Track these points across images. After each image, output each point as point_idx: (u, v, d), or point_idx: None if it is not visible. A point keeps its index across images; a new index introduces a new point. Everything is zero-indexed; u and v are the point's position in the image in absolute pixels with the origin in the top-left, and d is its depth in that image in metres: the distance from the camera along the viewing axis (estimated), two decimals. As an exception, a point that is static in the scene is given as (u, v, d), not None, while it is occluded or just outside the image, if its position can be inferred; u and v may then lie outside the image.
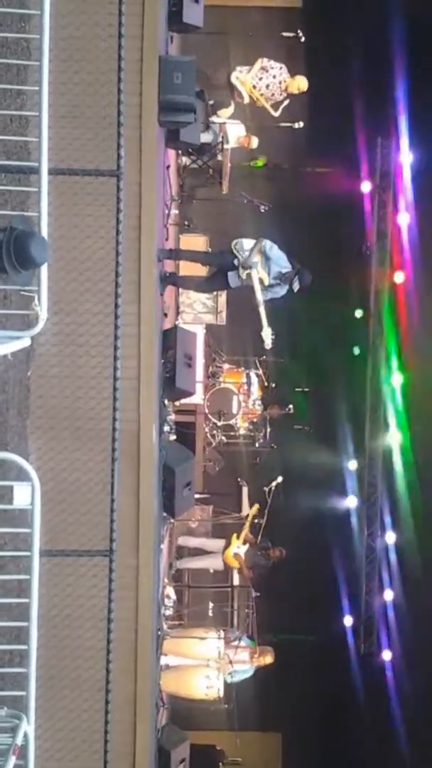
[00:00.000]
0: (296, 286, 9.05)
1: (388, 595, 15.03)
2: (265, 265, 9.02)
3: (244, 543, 11.90)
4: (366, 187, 14.86)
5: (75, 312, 7.76)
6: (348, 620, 15.19)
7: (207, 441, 12.93)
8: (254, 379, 13.19)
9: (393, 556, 15.07)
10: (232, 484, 13.66)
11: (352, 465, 15.21)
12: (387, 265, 14.89)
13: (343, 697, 13.96)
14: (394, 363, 14.78)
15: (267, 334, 9.05)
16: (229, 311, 12.01)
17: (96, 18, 7.59)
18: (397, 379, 14.78)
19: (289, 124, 12.39)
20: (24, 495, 5.38)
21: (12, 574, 6.49)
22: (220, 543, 12.26)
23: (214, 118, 11.64)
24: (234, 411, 12.93)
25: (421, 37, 13.14)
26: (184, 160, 11.93)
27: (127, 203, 6.36)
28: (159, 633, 9.60)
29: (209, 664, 10.86)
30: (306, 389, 14.41)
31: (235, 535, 12.01)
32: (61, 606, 7.62)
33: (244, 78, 11.52)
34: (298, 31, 12.31)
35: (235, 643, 11.31)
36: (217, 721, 12.73)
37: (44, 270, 5.33)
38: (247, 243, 9.05)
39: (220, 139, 11.73)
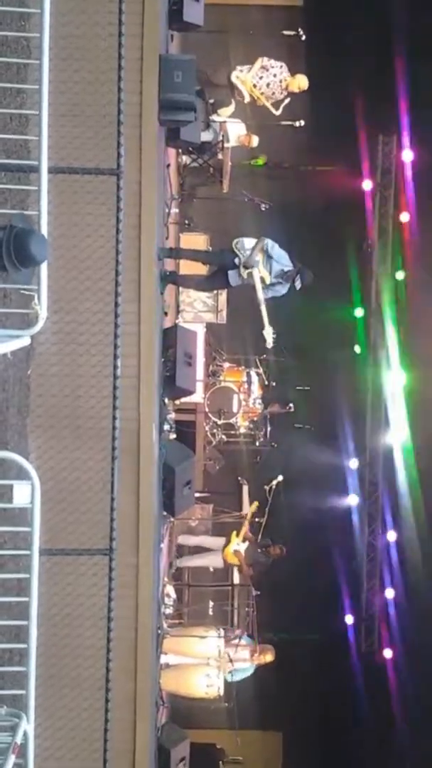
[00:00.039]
0: (298, 285, 9.06)
1: (389, 593, 15.04)
2: (267, 263, 9.03)
3: (244, 540, 11.90)
4: (367, 185, 14.86)
5: (75, 311, 7.76)
6: (349, 619, 15.20)
7: (207, 440, 12.92)
8: (254, 378, 13.19)
9: (394, 555, 15.07)
10: (232, 482, 13.67)
11: (353, 463, 15.21)
12: (388, 263, 14.89)
13: (343, 696, 13.96)
14: (395, 361, 14.78)
15: (268, 333, 9.06)
16: (230, 310, 12.01)
17: (96, 17, 7.59)
18: (397, 377, 14.77)
19: (289, 123, 12.40)
20: (24, 494, 5.38)
21: (12, 572, 6.49)
22: (219, 541, 12.26)
23: (214, 117, 11.64)
24: (234, 410, 12.93)
25: (421, 35, 13.13)
26: (185, 158, 11.92)
27: (127, 202, 6.35)
28: (159, 632, 9.61)
29: (209, 663, 10.86)
30: (306, 388, 14.40)
31: (234, 532, 12.02)
32: (61, 605, 7.62)
33: (244, 77, 11.52)
34: (299, 29, 12.31)
35: (236, 641, 11.31)
36: (217, 719, 12.73)
37: (44, 269, 5.32)
38: (248, 242, 9.05)
39: (220, 138, 11.72)
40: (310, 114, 12.89)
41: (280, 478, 12.40)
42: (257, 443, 13.51)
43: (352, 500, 15.21)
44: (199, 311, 11.86)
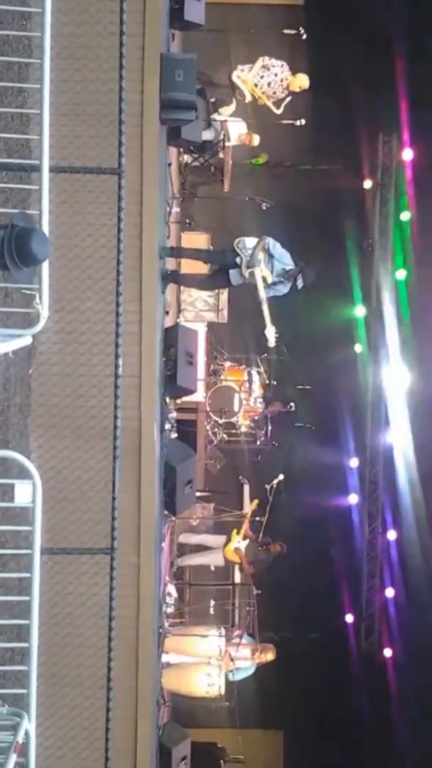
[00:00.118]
0: (300, 284, 9.06)
1: (390, 592, 15.03)
2: (269, 262, 9.02)
3: (245, 538, 11.91)
4: (368, 184, 14.85)
5: (76, 310, 7.76)
6: (349, 618, 15.19)
7: (208, 439, 12.91)
8: (255, 377, 13.19)
9: (394, 554, 15.07)
10: (233, 482, 13.66)
11: (354, 462, 15.21)
12: (389, 262, 14.89)
13: (344, 695, 13.95)
14: (396, 360, 14.78)
15: (270, 333, 9.06)
16: (231, 309, 12.01)
17: (97, 16, 7.59)
18: (398, 376, 14.77)
19: (290, 122, 12.39)
20: (25, 493, 5.38)
21: (13, 571, 6.49)
22: (220, 539, 12.27)
23: (215, 116, 11.64)
24: (235, 409, 12.93)
25: (423, 34, 13.13)
26: (186, 157, 11.91)
27: (128, 201, 6.35)
28: (160, 630, 9.61)
29: (210, 662, 10.87)
30: (307, 387, 14.39)
31: (235, 530, 12.02)
32: (62, 604, 7.62)
33: (245, 77, 11.52)
34: (300, 28, 12.29)
35: (237, 640, 11.31)
36: (218, 718, 12.74)
37: (45, 268, 5.32)
38: (250, 241, 9.05)
39: (221, 137, 11.72)
40: (311, 113, 12.88)
41: (281, 477, 12.39)
42: (258, 442, 13.51)
43: (353, 499, 15.21)
44: (200, 310, 11.86)
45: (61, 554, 6.89)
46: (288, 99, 11.79)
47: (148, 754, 8.29)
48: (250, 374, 13.18)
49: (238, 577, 12.56)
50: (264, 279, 8.97)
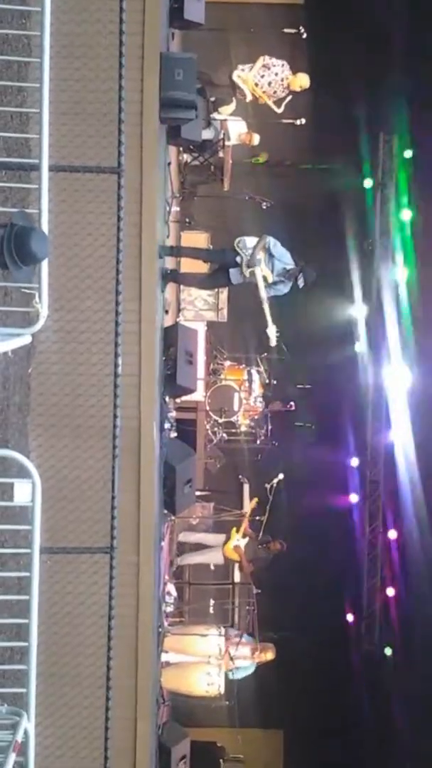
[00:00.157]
0: (301, 283, 9.06)
1: (390, 591, 15.03)
2: (269, 262, 9.02)
3: (244, 536, 11.92)
4: (368, 183, 14.85)
5: (76, 309, 7.75)
6: (349, 617, 15.20)
7: (208, 438, 12.91)
8: (255, 376, 13.19)
9: (394, 553, 15.07)
10: (233, 481, 13.66)
11: (354, 462, 15.21)
12: (389, 261, 14.89)
13: (344, 694, 13.96)
14: (397, 359, 14.78)
15: (272, 332, 9.06)
16: (231, 308, 12.00)
17: (97, 15, 7.58)
18: (399, 375, 14.77)
19: (290, 121, 12.39)
20: (24, 492, 5.37)
21: (12, 571, 6.48)
22: (220, 537, 12.27)
23: (215, 115, 11.64)
24: (235, 408, 12.94)
25: (423, 33, 13.13)
26: (186, 156, 11.90)
27: (128, 200, 6.34)
28: (160, 630, 9.61)
29: (210, 661, 10.86)
30: (307, 386, 14.40)
31: (234, 528, 12.03)
32: (61, 603, 7.62)
33: (245, 76, 11.51)
34: (300, 27, 12.29)
35: (236, 639, 11.31)
36: (218, 718, 12.75)
37: (45, 267, 5.31)
38: (250, 241, 9.05)
39: (221, 136, 11.70)
40: (311, 112, 12.88)
41: (281, 476, 12.39)
42: (258, 442, 13.51)
43: (353, 498, 15.21)
44: (200, 309, 11.86)
45: (61, 553, 6.89)
46: (289, 98, 11.78)
47: (148, 753, 8.29)
48: (250, 373, 13.18)
49: (237, 577, 12.56)
50: (265, 278, 8.97)
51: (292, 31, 12.34)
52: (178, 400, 10.94)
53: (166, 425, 9.33)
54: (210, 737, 12.81)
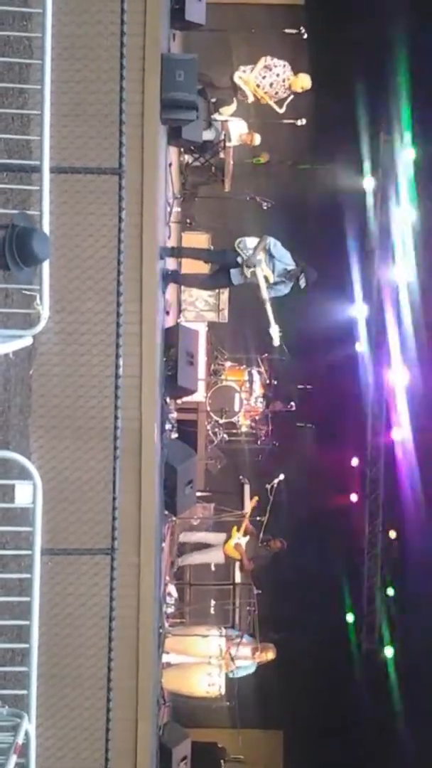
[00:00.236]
0: (303, 284, 9.06)
1: (390, 591, 15.04)
2: (270, 262, 9.02)
3: (245, 535, 11.92)
4: (369, 183, 14.85)
5: (77, 310, 7.75)
6: (350, 617, 15.20)
7: (209, 439, 12.92)
8: (256, 377, 13.20)
9: (395, 553, 15.08)
10: (234, 481, 13.65)
11: (354, 461, 15.21)
12: (390, 260, 14.89)
13: (344, 694, 13.97)
14: (396, 359, 14.78)
15: (275, 332, 9.06)
16: (231, 309, 12.00)
17: (98, 16, 7.58)
18: (398, 375, 14.78)
19: (291, 121, 12.39)
20: (26, 494, 5.38)
21: (14, 572, 6.49)
22: (221, 536, 12.28)
23: (216, 116, 11.64)
24: (236, 409, 12.94)
25: (424, 33, 13.13)
26: (187, 157, 11.91)
27: (129, 201, 6.34)
28: (160, 631, 9.61)
29: (211, 662, 10.86)
30: (308, 386, 14.40)
31: (235, 527, 12.03)
32: (62, 604, 7.62)
33: (247, 77, 11.51)
34: (301, 27, 12.29)
35: (237, 639, 11.31)
36: (218, 718, 12.75)
37: (46, 268, 5.31)
38: (251, 241, 9.05)
39: (222, 137, 11.71)
40: (312, 112, 12.89)
41: (282, 476, 12.39)
42: (259, 442, 13.52)
43: (353, 498, 15.22)
44: (200, 310, 11.86)
45: (62, 555, 6.89)
46: (290, 98, 11.79)
47: (149, 754, 8.29)
48: (250, 374, 13.19)
49: (238, 577, 12.56)
50: (266, 279, 8.97)
51: (293, 31, 12.34)
52: (179, 401, 10.94)
53: (167, 426, 9.33)
54: (211, 738, 12.82)
